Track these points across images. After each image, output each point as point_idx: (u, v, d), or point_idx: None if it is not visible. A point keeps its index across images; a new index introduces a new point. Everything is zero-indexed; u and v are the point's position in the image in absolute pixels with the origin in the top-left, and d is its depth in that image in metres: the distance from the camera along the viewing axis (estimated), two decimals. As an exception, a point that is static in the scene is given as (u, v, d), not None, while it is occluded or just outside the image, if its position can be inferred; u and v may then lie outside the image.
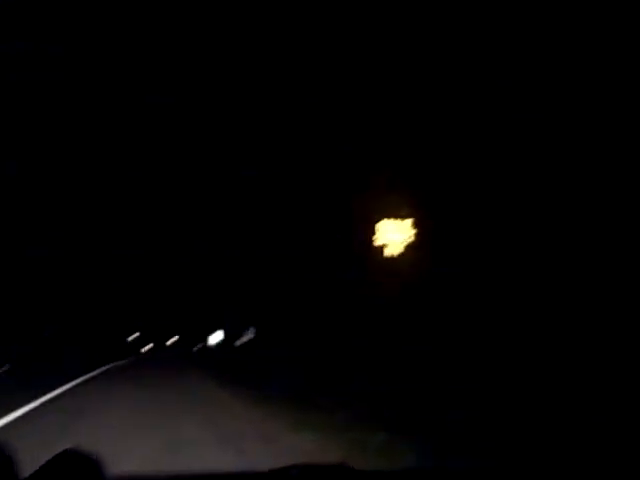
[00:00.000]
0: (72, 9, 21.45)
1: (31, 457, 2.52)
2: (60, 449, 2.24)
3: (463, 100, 17.07)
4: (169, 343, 74.19)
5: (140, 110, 30.61)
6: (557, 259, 14.06)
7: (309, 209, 26.87)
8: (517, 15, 15.02)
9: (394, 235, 22.22)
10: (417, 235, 21.87)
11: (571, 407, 7.42)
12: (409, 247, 21.84)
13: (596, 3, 13.36)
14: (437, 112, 18.34)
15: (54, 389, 12.61)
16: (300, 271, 28.60)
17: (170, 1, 22.32)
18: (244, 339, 43.99)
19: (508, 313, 14.75)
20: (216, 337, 56.75)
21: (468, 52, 16.59)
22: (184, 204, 43.09)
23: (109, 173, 37.30)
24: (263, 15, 21.45)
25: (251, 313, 41.12)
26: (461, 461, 5.34)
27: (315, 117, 23.82)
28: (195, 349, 56.90)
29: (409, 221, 21.96)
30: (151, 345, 67.66)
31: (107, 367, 22.99)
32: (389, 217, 22.25)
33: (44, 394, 11.43)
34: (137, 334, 67.48)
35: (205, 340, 58.27)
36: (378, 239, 22.41)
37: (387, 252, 22.27)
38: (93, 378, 17.23)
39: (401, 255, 21.98)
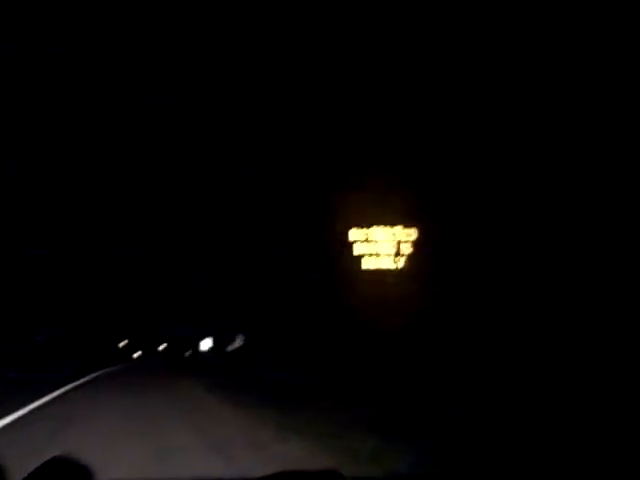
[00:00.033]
0: (72, 9, 21.45)
1: (20, 464, 2.51)
2: (49, 456, 2.24)
3: (455, 110, 17.15)
4: (159, 349, 73.84)
5: (140, 110, 30.66)
6: (546, 265, 14.13)
7: (299, 216, 26.88)
8: (517, 15, 15.08)
9: (384, 242, 22.27)
10: (406, 242, 21.93)
11: (569, 411, 7.46)
12: (399, 254, 21.89)
13: (596, 3, 13.46)
14: (429, 120, 18.42)
15: (43, 396, 12.51)
16: (288, 278, 28.59)
17: (170, 1, 22.38)
18: (234, 346, 43.88)
19: (502, 316, 14.80)
20: (206, 344, 56.61)
21: (467, 53, 16.63)
22: (177, 209, 43.07)
23: (104, 174, 37.33)
24: (263, 15, 21.53)
25: (240, 320, 41.03)
26: (452, 468, 5.35)
27: (311, 119, 23.87)
28: (185, 355, 56.69)
29: (398, 228, 22.02)
30: (141, 352, 67.26)
31: (97, 374, 22.83)
32: (379, 224, 22.30)
33: (33, 401, 11.34)
34: (126, 341, 67.11)
35: (195, 347, 58.09)
36: (368, 246, 22.43)
37: (377, 259, 22.31)
38: (82, 385, 17.11)
39: (391, 261, 22.03)
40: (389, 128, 20.33)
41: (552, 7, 14.16)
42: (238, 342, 43.33)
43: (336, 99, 22.21)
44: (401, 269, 21.88)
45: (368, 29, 19.61)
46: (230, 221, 35.68)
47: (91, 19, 22.32)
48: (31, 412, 10.11)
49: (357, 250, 22.47)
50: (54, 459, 2.24)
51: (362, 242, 22.43)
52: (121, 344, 65.74)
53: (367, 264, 22.35)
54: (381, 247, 22.29)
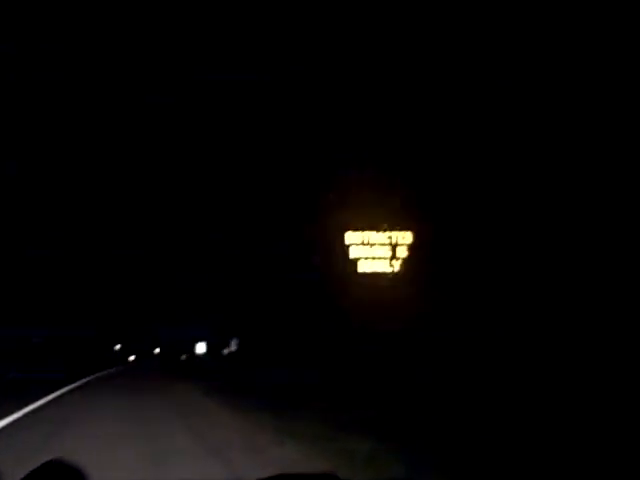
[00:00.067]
0: (71, 9, 21.47)
1: (16, 467, 2.49)
2: (45, 459, 2.22)
3: (452, 113, 17.17)
4: (155, 352, 73.79)
5: (140, 110, 30.68)
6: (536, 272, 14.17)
7: (295, 219, 26.87)
8: (517, 15, 15.10)
9: (380, 246, 22.28)
10: (402, 245, 21.95)
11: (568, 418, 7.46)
12: (395, 257, 21.90)
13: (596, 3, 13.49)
14: (426, 123, 18.43)
15: (39, 399, 12.48)
16: (283, 281, 28.58)
17: (170, 1, 22.42)
18: (229, 349, 43.89)
19: (499, 319, 14.82)
20: (201, 347, 56.63)
21: (467, 54, 16.63)
22: (177, 209, 43.09)
23: (104, 174, 37.35)
24: (263, 15, 21.58)
25: (235, 323, 40.99)
26: (448, 471, 5.35)
27: (309, 120, 23.88)
28: (181, 359, 56.66)
29: (394, 231, 22.04)
30: (136, 355, 67.19)
31: (93, 377, 22.78)
32: (375, 228, 22.31)
33: (28, 404, 11.30)
34: (121, 344, 67.05)
35: (191, 350, 58.08)
36: (364, 249, 22.43)
37: (373, 262, 22.31)
38: (78, 388, 17.07)
39: (387, 265, 22.04)
40: (386, 131, 20.34)
41: (552, 7, 14.20)
42: (233, 346, 43.35)
43: (334, 102, 22.21)
44: (397, 272, 21.88)
45: (367, 29, 19.65)
46: (226, 223, 35.67)
47: (91, 19, 22.39)
48: (26, 415, 10.08)
49: (353, 253, 22.47)
50: (49, 462, 2.22)
51: (358, 245, 22.43)
52: (116, 347, 65.70)
53: (363, 267, 22.34)
54: (377, 250, 22.30)
